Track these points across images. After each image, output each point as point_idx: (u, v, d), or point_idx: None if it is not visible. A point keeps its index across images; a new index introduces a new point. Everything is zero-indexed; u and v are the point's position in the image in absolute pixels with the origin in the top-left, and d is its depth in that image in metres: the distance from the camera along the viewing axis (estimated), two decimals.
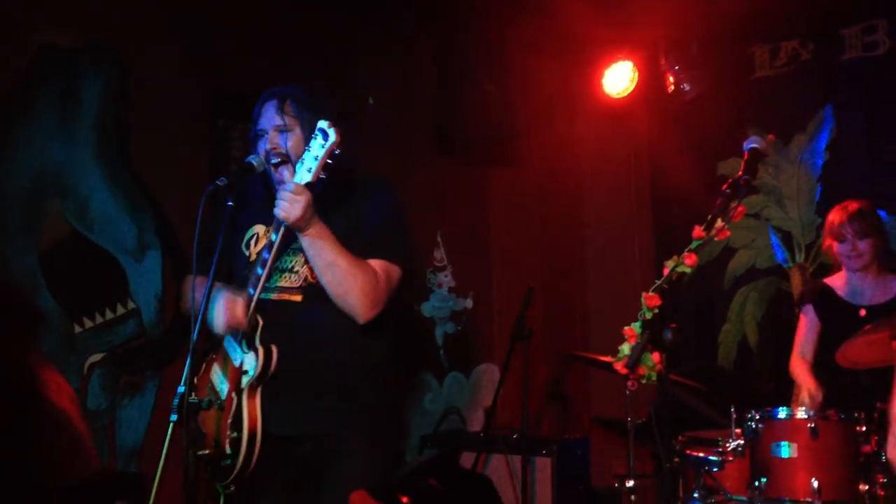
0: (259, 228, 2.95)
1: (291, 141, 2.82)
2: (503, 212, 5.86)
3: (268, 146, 2.83)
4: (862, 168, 4.81)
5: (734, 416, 3.54)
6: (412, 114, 5.42)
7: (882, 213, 4.54)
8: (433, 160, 5.45)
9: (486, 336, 5.71)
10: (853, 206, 3.96)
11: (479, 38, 5.29)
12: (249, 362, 2.72)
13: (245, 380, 2.71)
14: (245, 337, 2.76)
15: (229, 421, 2.68)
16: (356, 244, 2.80)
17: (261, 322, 2.76)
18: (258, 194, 2.96)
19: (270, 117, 2.84)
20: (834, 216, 3.99)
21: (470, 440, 4.94)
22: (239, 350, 2.77)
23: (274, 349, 2.74)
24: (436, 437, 5.14)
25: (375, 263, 2.81)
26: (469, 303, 5.67)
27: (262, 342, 2.74)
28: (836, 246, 3.98)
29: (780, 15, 5.03)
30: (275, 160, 2.83)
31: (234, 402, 2.70)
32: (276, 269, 2.84)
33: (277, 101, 2.85)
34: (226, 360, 2.81)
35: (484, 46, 5.31)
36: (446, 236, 5.63)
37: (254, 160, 2.84)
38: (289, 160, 2.81)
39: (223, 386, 2.77)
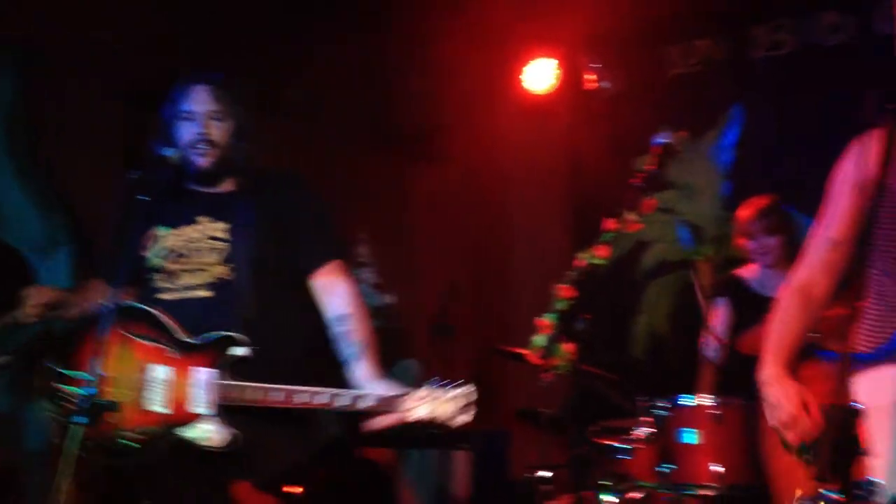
0: (163, 231, 2.82)
1: (222, 131, 2.76)
2: (427, 207, 5.89)
3: (201, 130, 2.74)
4: (769, 164, 4.97)
5: (644, 404, 3.63)
6: (336, 108, 5.41)
7: (790, 209, 4.70)
8: (356, 155, 5.45)
9: (409, 332, 5.73)
10: (761, 202, 4.07)
11: (404, 32, 5.31)
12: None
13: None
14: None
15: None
16: (305, 246, 2.78)
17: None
18: (165, 190, 2.88)
19: (203, 101, 2.75)
20: (742, 213, 4.10)
21: (389, 435, 4.95)
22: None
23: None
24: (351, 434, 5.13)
25: (337, 268, 2.82)
26: (391, 299, 5.68)
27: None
28: (746, 243, 4.09)
29: (693, 15, 5.16)
30: (204, 149, 2.75)
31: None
32: (185, 270, 2.79)
33: (212, 86, 2.77)
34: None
35: (409, 40, 5.33)
36: (369, 232, 5.63)
37: (169, 152, 2.77)
38: (219, 152, 2.76)
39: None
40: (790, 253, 4.03)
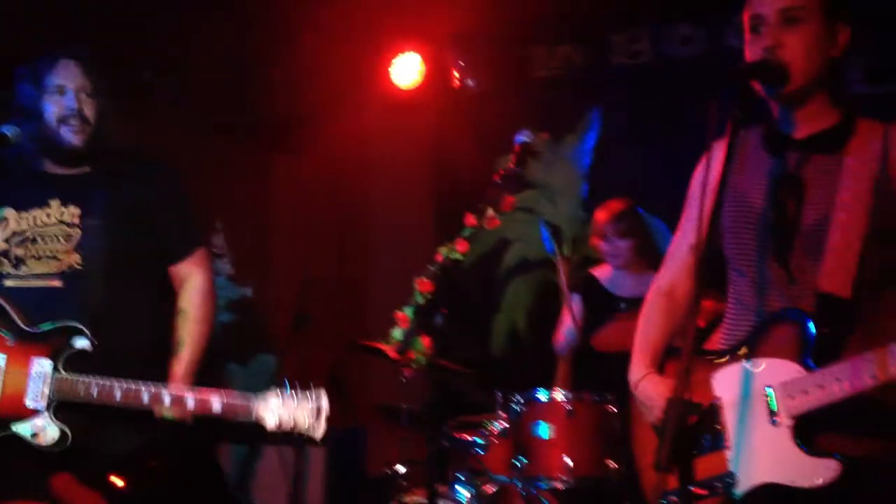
0: (9, 213, 2.70)
1: (93, 108, 2.66)
2: (287, 199, 5.80)
3: (74, 106, 2.62)
4: (625, 168, 5.14)
5: (500, 399, 3.68)
6: (194, 94, 5.24)
7: (643, 212, 4.87)
8: (215, 143, 5.30)
9: (266, 325, 5.63)
10: (616, 206, 4.21)
11: (269, 22, 5.20)
12: None
13: None
14: None
15: None
16: (165, 237, 2.72)
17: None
18: (13, 170, 2.74)
19: (75, 76, 2.65)
20: (598, 216, 4.24)
21: (241, 431, 4.85)
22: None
23: None
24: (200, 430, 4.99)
25: (198, 260, 2.78)
26: (248, 291, 5.56)
27: None
28: (600, 244, 4.23)
29: (555, 19, 5.28)
30: (77, 125, 2.63)
31: None
32: (33, 256, 2.65)
33: (81, 60, 2.67)
34: None
35: (274, 30, 5.22)
36: (226, 222, 5.49)
37: (8, 131, 2.63)
38: (91, 129, 2.64)
39: None
40: (641, 255, 4.20)
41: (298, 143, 5.66)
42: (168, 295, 2.81)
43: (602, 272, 4.33)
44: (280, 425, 2.51)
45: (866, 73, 4.38)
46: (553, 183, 5.30)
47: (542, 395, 3.57)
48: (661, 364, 2.20)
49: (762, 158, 2.08)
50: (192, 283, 2.78)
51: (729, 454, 1.96)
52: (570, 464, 3.41)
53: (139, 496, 2.74)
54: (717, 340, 2.17)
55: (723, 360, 2.05)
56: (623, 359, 3.99)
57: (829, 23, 1.99)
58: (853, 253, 1.91)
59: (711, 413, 2.01)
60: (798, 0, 1.98)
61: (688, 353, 1.73)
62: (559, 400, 3.52)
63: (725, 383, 2.01)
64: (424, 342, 2.94)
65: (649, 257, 4.36)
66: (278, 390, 2.52)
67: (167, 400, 2.50)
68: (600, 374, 4.09)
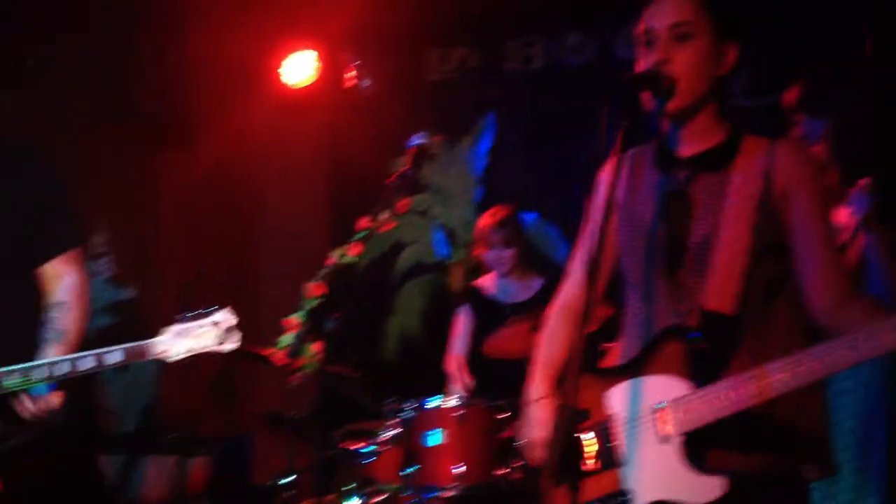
0: None
1: None
2: (176, 197, 5.60)
3: None
4: (518, 172, 5.18)
5: (392, 406, 3.63)
6: (79, 87, 5.00)
7: (533, 216, 4.91)
8: (100, 138, 5.07)
9: (150, 328, 5.41)
10: (499, 214, 4.22)
11: (157, 14, 5.01)
12: None
13: None
14: None
15: None
16: (39, 233, 2.59)
17: None
18: None
19: None
20: (483, 224, 4.26)
21: (124, 441, 4.67)
22: None
23: None
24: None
25: (71, 259, 2.65)
26: (131, 292, 5.35)
27: None
28: (484, 252, 4.24)
29: (451, 22, 5.27)
30: None
31: None
32: None
33: None
34: None
35: (162, 23, 5.04)
36: (110, 220, 5.26)
37: None
38: None
39: None
40: (525, 261, 4.24)
41: (188, 139, 5.48)
42: (35, 293, 2.66)
43: (486, 281, 4.37)
44: (190, 350, 2.38)
45: (747, 86, 4.53)
46: (447, 186, 5.29)
47: (433, 402, 3.53)
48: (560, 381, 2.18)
49: (653, 176, 2.10)
50: (67, 280, 2.67)
51: (621, 472, 1.96)
52: (462, 471, 3.38)
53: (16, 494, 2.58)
54: (614, 357, 2.17)
55: (616, 376, 2.04)
56: (514, 365, 4.02)
57: (717, 40, 2.01)
58: (737, 270, 1.93)
59: (605, 430, 2.00)
60: (688, 16, 1.99)
61: (575, 362, 1.72)
62: (451, 406, 3.49)
63: (618, 400, 2.00)
64: (315, 348, 2.86)
65: (533, 263, 4.42)
66: (178, 319, 2.39)
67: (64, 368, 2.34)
68: (492, 380, 4.09)
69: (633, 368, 2.02)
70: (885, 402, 2.56)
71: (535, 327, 3.55)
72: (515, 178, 5.17)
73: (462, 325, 4.33)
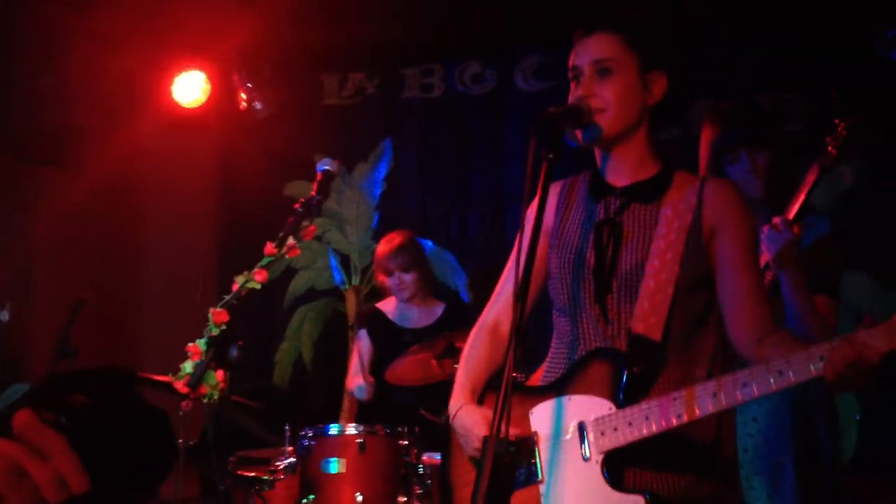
0: None
1: None
2: (52, 216, 5.35)
3: None
4: (414, 199, 5.19)
5: (288, 433, 3.56)
6: None
7: (429, 243, 4.93)
8: None
9: (23, 354, 5.15)
10: (397, 240, 4.21)
11: (38, 26, 4.81)
12: None
13: None
14: None
15: None
16: None
17: None
18: None
19: None
20: (381, 250, 4.23)
21: None
22: None
23: None
24: None
25: None
26: (4, 316, 5.08)
27: None
28: (384, 279, 4.22)
29: (348, 48, 5.26)
30: None
31: None
32: None
33: None
34: None
35: (43, 35, 4.84)
36: None
37: None
38: None
39: None
40: (425, 286, 4.25)
41: (70, 157, 5.26)
42: None
43: (388, 305, 4.34)
44: None
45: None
46: (343, 211, 5.25)
47: (333, 429, 3.49)
48: (481, 398, 2.21)
49: (586, 204, 2.17)
50: None
51: (542, 488, 1.99)
52: (361, 499, 3.35)
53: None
54: (539, 377, 2.21)
55: (540, 395, 2.08)
56: (416, 392, 4.03)
57: (642, 72, 2.09)
58: (665, 298, 2.00)
59: (527, 447, 2.03)
60: (608, 53, 2.08)
61: (504, 391, 1.73)
62: (351, 434, 3.46)
63: (541, 418, 2.05)
64: (218, 375, 2.77)
65: (432, 288, 4.43)
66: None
67: None
68: (393, 407, 4.07)
69: (559, 388, 2.06)
70: (791, 431, 2.70)
71: (438, 356, 3.59)
72: (412, 204, 5.19)
73: (360, 350, 4.30)
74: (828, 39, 4.54)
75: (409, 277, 4.17)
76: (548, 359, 2.20)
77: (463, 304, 4.90)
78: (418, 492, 3.45)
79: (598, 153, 2.16)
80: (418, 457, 3.50)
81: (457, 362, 3.46)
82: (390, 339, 4.21)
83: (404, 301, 4.25)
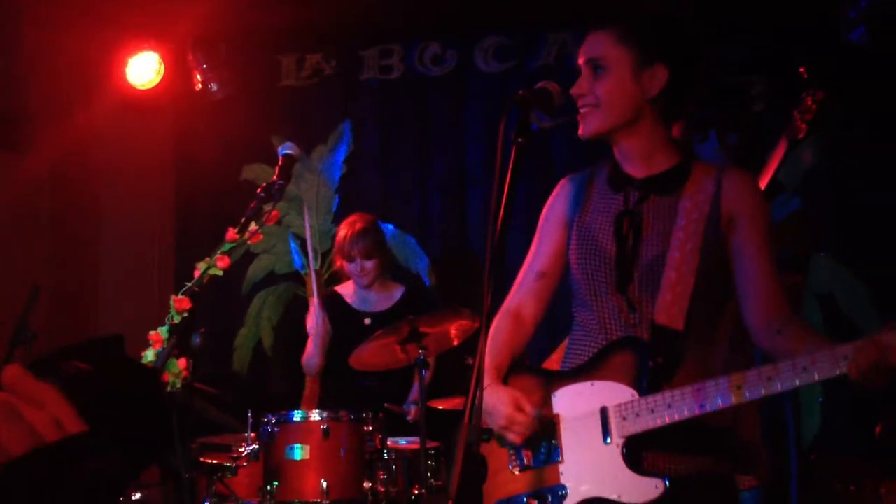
0: None
1: None
2: (3, 202, 5.22)
3: None
4: (375, 182, 5.15)
5: (250, 420, 3.53)
6: None
7: (390, 227, 4.90)
8: None
9: None
10: (359, 224, 4.17)
11: None
12: None
13: None
14: None
15: None
16: None
17: None
18: None
19: None
20: (342, 234, 4.18)
21: None
22: None
23: None
24: None
25: None
26: None
27: None
28: (344, 264, 4.18)
29: (305, 28, 5.18)
30: None
31: None
32: None
33: None
34: None
35: None
36: None
37: None
38: None
39: None
40: (385, 271, 4.23)
41: (20, 140, 5.13)
42: None
43: (346, 289, 4.32)
44: None
45: None
46: (303, 195, 5.19)
47: (297, 416, 3.46)
48: (505, 378, 2.27)
49: (607, 196, 2.22)
50: None
51: (562, 468, 2.07)
52: (325, 486, 3.33)
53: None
54: (556, 360, 2.27)
55: (563, 380, 2.16)
56: (380, 377, 4.00)
57: (638, 67, 2.12)
58: (687, 289, 2.06)
59: (549, 428, 2.11)
60: (600, 51, 2.14)
61: (476, 380, 1.76)
62: (315, 420, 3.43)
63: (564, 401, 2.12)
64: (180, 363, 2.73)
65: (391, 272, 4.41)
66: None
67: None
68: (358, 392, 4.05)
69: (582, 373, 2.13)
70: (792, 424, 2.77)
71: (402, 341, 3.58)
72: (373, 187, 5.14)
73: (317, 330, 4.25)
74: (789, 20, 4.58)
75: (370, 265, 4.14)
76: (570, 345, 2.27)
77: (424, 287, 4.89)
78: (383, 477, 3.44)
79: (614, 147, 2.21)
80: (383, 442, 3.49)
81: (421, 347, 3.49)
82: (348, 323, 4.19)
83: (362, 287, 4.23)
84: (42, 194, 5.40)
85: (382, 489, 3.43)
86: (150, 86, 5.29)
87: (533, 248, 2.34)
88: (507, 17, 4.94)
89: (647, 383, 2.01)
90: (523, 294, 2.32)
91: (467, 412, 1.75)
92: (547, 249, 2.29)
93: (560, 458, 2.08)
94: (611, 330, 2.14)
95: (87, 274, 5.63)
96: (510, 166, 1.93)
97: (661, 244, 2.10)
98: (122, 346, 0.97)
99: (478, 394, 1.77)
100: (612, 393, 2.05)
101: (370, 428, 3.47)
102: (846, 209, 4.18)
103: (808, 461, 3.46)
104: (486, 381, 2.20)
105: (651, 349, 2.04)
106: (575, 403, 2.09)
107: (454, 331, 3.69)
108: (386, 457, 3.49)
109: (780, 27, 4.60)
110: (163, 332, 2.70)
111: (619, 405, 2.02)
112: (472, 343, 2.49)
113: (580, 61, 2.18)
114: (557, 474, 2.07)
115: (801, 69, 2.84)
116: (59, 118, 5.28)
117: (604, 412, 2.04)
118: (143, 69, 5.27)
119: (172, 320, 2.71)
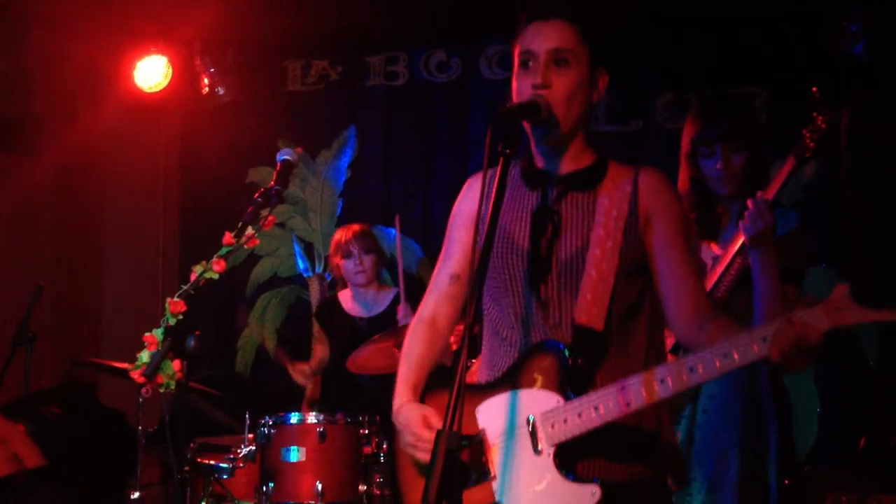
0: None
1: None
2: (8, 202, 5.28)
3: None
4: (378, 187, 5.19)
5: (248, 421, 3.56)
6: None
7: (392, 231, 4.95)
8: None
9: None
10: (356, 226, 4.35)
11: None
12: None
13: None
14: None
15: None
16: None
17: None
18: None
19: None
20: (340, 236, 4.30)
21: None
22: None
23: None
24: None
25: None
26: None
27: None
28: (342, 264, 4.24)
29: (312, 35, 5.23)
30: None
31: None
32: None
33: None
34: None
35: (0, 21, 4.76)
36: None
37: None
38: None
39: None
40: (380, 272, 4.32)
41: (29, 143, 5.19)
42: None
43: (345, 294, 4.39)
44: None
45: (606, 112, 4.74)
46: (307, 199, 5.25)
47: (293, 418, 3.49)
48: (423, 392, 2.18)
49: (522, 193, 2.14)
50: None
51: (495, 485, 1.98)
52: (321, 488, 3.36)
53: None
54: (475, 372, 2.21)
55: (485, 392, 2.07)
56: (377, 381, 4.03)
57: (592, 67, 2.08)
58: (606, 288, 2.01)
59: (476, 445, 2.02)
60: (568, 44, 2.05)
61: (457, 384, 1.73)
62: (311, 422, 3.46)
63: (489, 415, 2.03)
64: (175, 365, 2.77)
65: (391, 276, 4.48)
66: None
67: None
68: (355, 395, 4.09)
69: (504, 383, 2.05)
70: (739, 425, 2.74)
71: (399, 345, 3.60)
72: (376, 192, 5.18)
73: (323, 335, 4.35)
74: (789, 33, 4.59)
75: (368, 260, 4.22)
76: (484, 353, 2.18)
77: (422, 291, 4.93)
78: (379, 480, 3.46)
79: (532, 142, 2.13)
80: (379, 445, 3.51)
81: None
82: (345, 328, 4.27)
83: (360, 286, 4.29)
84: (48, 196, 5.45)
85: (378, 492, 3.45)
86: (157, 89, 5.34)
87: (444, 251, 2.25)
88: (512, 25, 4.96)
89: (571, 386, 1.95)
90: (437, 299, 2.22)
91: (448, 418, 1.71)
92: (458, 250, 2.20)
93: (491, 475, 1.98)
94: (529, 333, 2.06)
95: (91, 276, 5.68)
96: (497, 177, 1.92)
97: (580, 241, 2.04)
98: (94, 393, 1.00)
99: (459, 399, 1.73)
100: (537, 400, 1.97)
101: (366, 431, 3.49)
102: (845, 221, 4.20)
103: (802, 471, 3.47)
104: (402, 397, 2.13)
105: (572, 352, 1.98)
106: (499, 416, 2.00)
107: (452, 336, 3.71)
108: (382, 460, 3.51)
109: (782, 38, 4.61)
110: (157, 333, 2.74)
111: (546, 412, 1.95)
112: (470, 345, 2.51)
113: (537, 48, 2.04)
114: (491, 492, 1.97)
115: (814, 89, 2.81)
116: (65, 121, 5.34)
117: (531, 421, 1.96)
118: (151, 73, 5.32)
119: (168, 323, 2.74)
